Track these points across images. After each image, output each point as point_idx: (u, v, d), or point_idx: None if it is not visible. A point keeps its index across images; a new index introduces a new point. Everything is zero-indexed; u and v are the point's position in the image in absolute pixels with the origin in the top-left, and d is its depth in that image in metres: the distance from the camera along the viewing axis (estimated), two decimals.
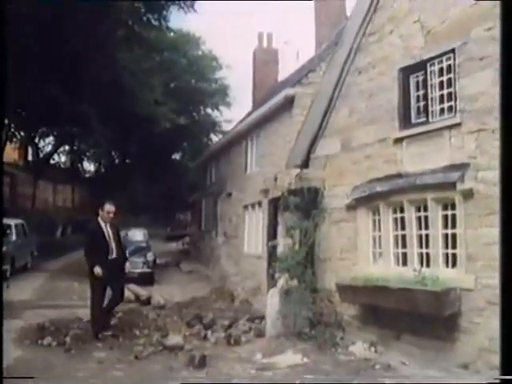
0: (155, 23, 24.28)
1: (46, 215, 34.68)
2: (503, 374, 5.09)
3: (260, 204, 16.52)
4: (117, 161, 50.61)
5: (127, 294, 16.89)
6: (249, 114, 22.92)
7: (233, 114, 49.86)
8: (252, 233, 18.06)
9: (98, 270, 10.63)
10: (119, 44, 22.89)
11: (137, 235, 24.99)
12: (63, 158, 49.01)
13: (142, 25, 24.29)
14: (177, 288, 19.35)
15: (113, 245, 11.11)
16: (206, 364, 9.14)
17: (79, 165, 50.70)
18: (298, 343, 10.27)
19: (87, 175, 53.48)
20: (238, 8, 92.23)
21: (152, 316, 13.02)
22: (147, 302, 16.04)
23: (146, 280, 20.48)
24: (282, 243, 12.78)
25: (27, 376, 7.12)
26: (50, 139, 39.77)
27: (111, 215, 11.29)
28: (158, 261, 25.19)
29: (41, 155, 40.32)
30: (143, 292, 17.15)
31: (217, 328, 11.99)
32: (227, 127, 37.62)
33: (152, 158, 44.21)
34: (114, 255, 11.13)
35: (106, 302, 11.23)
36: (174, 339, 10.66)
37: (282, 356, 9.61)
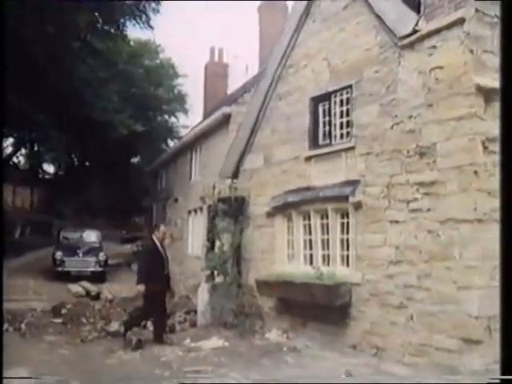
0: (112, 34, 25.17)
1: (5, 216, 35.48)
2: (503, 374, 5.20)
3: (201, 209, 18.05)
4: (76, 163, 51.20)
5: (78, 289, 18.51)
6: (198, 125, 24.40)
7: (190, 121, 51.00)
8: (195, 235, 19.56)
9: (141, 287, 11.28)
10: (75, 55, 23.93)
11: (91, 236, 26.29)
12: (22, 160, 49.52)
13: (98, 36, 25.18)
14: (125, 285, 20.73)
15: (166, 261, 11.80)
16: (141, 347, 10.73)
17: (38, 167, 51.18)
18: (222, 331, 11.88)
19: (47, 177, 53.81)
20: (194, 20, 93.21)
21: (98, 307, 14.47)
22: (97, 296, 17.62)
23: (98, 278, 22.10)
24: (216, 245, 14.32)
25: (27, 376, 7.76)
26: (10, 141, 40.42)
27: (165, 236, 12.14)
28: (111, 261, 26.56)
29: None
30: (93, 288, 18.73)
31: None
32: (184, 133, 38.77)
33: (110, 161, 45.01)
34: (166, 271, 11.77)
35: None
36: (116, 326, 12.24)
37: (207, 341, 11.21)
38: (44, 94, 22.81)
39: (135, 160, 53.40)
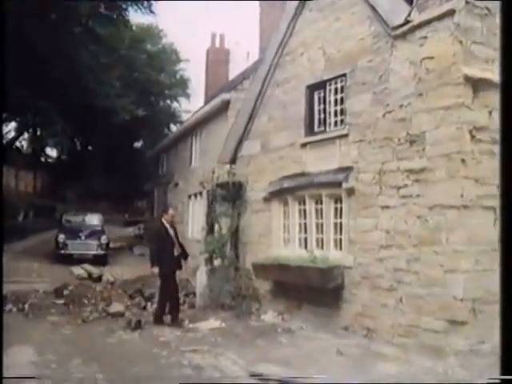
0: (114, 19, 25.28)
1: (9, 200, 35.80)
2: (503, 374, 5.18)
3: (201, 194, 18.36)
4: (79, 148, 51.41)
5: (80, 271, 18.86)
6: (199, 110, 24.64)
7: (192, 106, 51.12)
8: (195, 219, 19.88)
9: (155, 269, 11.60)
10: (77, 41, 24.08)
11: (93, 220, 26.52)
12: (25, 145, 49.72)
13: (100, 22, 25.27)
14: (127, 268, 21.09)
15: (176, 243, 12.01)
16: (140, 327, 11.08)
17: (41, 151, 51.37)
18: (220, 312, 12.22)
19: (49, 161, 53.97)
20: (196, 6, 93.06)
21: (99, 289, 14.81)
22: (99, 279, 17.95)
23: (100, 261, 22.39)
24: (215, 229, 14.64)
25: (27, 376, 7.68)
26: (13, 125, 40.58)
27: (173, 218, 12.47)
28: (113, 244, 26.89)
29: (3, 141, 41.13)
30: (96, 270, 19.09)
31: (155, 300, 13.86)
32: (186, 118, 38.93)
33: (113, 146, 45.26)
34: (177, 253, 11.98)
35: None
36: (117, 307, 12.61)
37: (204, 322, 11.56)
38: (46, 79, 22.95)
39: (138, 145, 53.56)
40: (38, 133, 44.84)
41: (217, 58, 27.96)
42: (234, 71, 27.80)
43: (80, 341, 10.15)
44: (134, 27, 33.29)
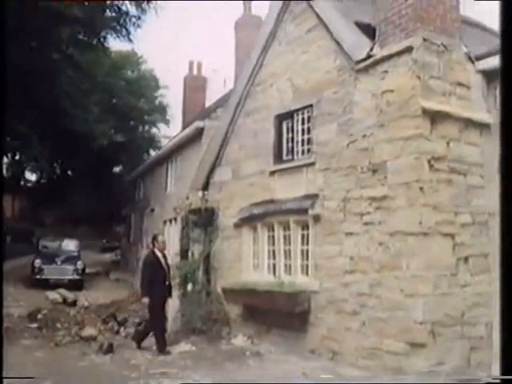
0: (93, 46, 25.55)
1: None
2: (503, 374, 5.17)
3: (176, 220, 18.64)
4: (58, 172, 51.51)
5: (56, 296, 19.03)
6: (175, 137, 24.98)
7: (171, 131, 51.47)
8: (170, 245, 20.08)
9: (145, 300, 11.59)
10: (56, 67, 24.33)
11: (69, 245, 26.93)
12: (4, 169, 49.66)
13: (79, 48, 25.52)
14: (102, 293, 21.42)
15: (167, 272, 12.07)
16: (112, 351, 11.31)
17: (20, 175, 51.38)
18: (191, 336, 12.45)
19: (28, 185, 54.00)
20: (175, 35, 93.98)
21: (73, 313, 15.04)
22: (73, 303, 18.18)
23: (76, 285, 22.69)
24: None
25: (27, 376, 8.03)
26: None
27: (165, 246, 12.37)
28: (90, 270, 27.25)
29: None
30: (70, 295, 19.32)
31: (128, 324, 14.15)
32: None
33: (93, 171, 45.50)
34: (167, 282, 12.02)
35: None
36: (89, 331, 12.84)
37: (175, 345, 11.80)
38: (25, 104, 23.17)
39: (117, 169, 53.78)
40: (17, 157, 44.94)
41: (194, 85, 28.32)
42: (211, 98, 28.25)
43: (52, 364, 10.37)
44: (113, 54, 33.58)
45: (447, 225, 8.80)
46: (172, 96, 51.24)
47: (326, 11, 10.71)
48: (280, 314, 11.01)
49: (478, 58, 9.63)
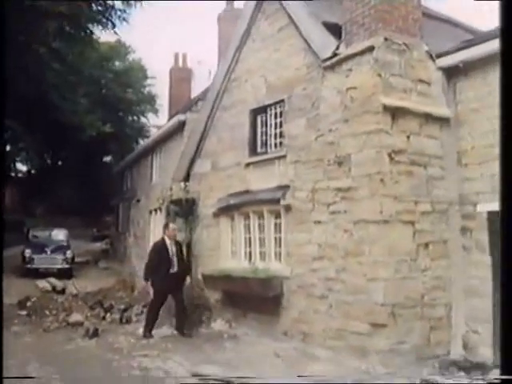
0: (80, 39, 25.85)
1: None
2: (503, 373, 5.16)
3: (160, 210, 19.19)
4: (49, 163, 51.80)
5: (45, 285, 19.61)
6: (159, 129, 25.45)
7: (160, 121, 51.78)
8: (156, 234, 20.62)
9: (143, 283, 12.65)
10: (43, 61, 24.68)
11: (59, 235, 27.48)
12: None
13: (66, 41, 25.83)
14: (90, 281, 21.98)
15: (174, 260, 12.32)
16: (97, 335, 11.96)
17: (12, 165, 51.60)
18: (173, 321, 13.01)
19: (19, 175, 54.21)
20: (161, 27, 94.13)
21: (61, 300, 15.63)
22: (62, 291, 18.76)
23: (65, 274, 23.22)
24: None
25: (27, 376, 8.32)
26: None
27: (175, 233, 12.80)
28: (79, 259, 27.84)
29: None
30: (60, 283, 19.94)
31: (114, 311, 14.73)
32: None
33: (83, 161, 45.84)
34: (175, 269, 12.31)
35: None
36: (76, 317, 13.44)
37: (158, 330, 12.36)
38: (12, 97, 23.49)
39: (107, 159, 54.09)
40: (8, 148, 45.21)
41: (179, 76, 28.76)
42: (197, 89, 28.65)
43: (40, 348, 10.96)
44: (100, 46, 33.87)
45: (407, 213, 9.39)
46: (159, 87, 51.96)
47: (295, 11, 11.27)
48: (255, 298, 11.62)
49: (439, 56, 10.18)
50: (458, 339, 9.75)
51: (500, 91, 5.33)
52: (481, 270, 9.49)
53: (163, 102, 69.22)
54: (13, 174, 51.71)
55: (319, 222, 10.35)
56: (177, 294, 12.32)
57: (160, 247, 12.50)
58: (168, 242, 12.47)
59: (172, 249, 12.38)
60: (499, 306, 9.00)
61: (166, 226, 13.00)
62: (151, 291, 12.81)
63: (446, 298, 9.75)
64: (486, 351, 9.27)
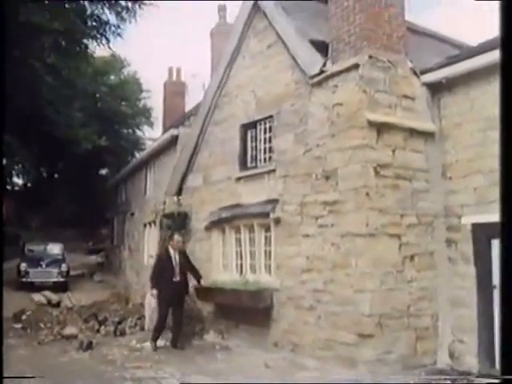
0: (75, 54, 26.07)
1: None
2: (503, 374, 5.11)
3: (155, 223, 19.40)
4: (45, 176, 51.94)
5: (40, 298, 19.78)
6: (153, 143, 25.64)
7: (156, 134, 51.94)
8: (150, 247, 20.85)
9: (154, 292, 12.36)
10: (38, 76, 24.86)
11: (54, 249, 27.70)
12: None
13: (61, 56, 26.04)
14: (85, 294, 22.15)
15: (177, 269, 12.39)
16: (92, 347, 12.13)
17: (6, 179, 51.67)
18: (167, 333, 13.18)
19: (16, 188, 54.27)
20: (155, 41, 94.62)
21: (56, 314, 15.82)
22: (57, 304, 18.96)
23: (60, 288, 23.39)
24: None
25: (27, 376, 8.44)
26: None
27: (180, 244, 12.86)
28: (75, 272, 28.01)
29: None
30: (55, 297, 20.09)
31: (108, 323, 14.88)
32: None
33: (79, 174, 45.99)
34: (178, 278, 12.34)
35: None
36: (71, 330, 13.63)
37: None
38: (8, 112, 23.66)
39: (103, 172, 54.20)
40: (4, 161, 45.34)
41: (174, 90, 28.96)
42: (191, 102, 28.85)
43: (34, 360, 11.14)
44: (96, 60, 34.06)
45: (393, 226, 9.64)
46: (154, 99, 52.01)
47: (283, 29, 11.54)
48: (246, 310, 11.82)
49: (423, 72, 10.45)
50: (445, 349, 9.98)
51: (500, 91, 5.37)
52: (466, 281, 9.74)
53: (158, 114, 69.68)
54: (9, 188, 51.87)
55: (307, 236, 10.58)
56: (177, 304, 12.45)
57: (164, 256, 12.75)
58: (172, 251, 12.61)
59: (176, 258, 12.52)
60: (485, 315, 9.40)
61: (171, 237, 13.30)
62: (153, 301, 13.00)
63: (432, 308, 9.99)
64: (472, 360, 9.51)
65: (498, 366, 9.02)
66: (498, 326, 8.68)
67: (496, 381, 7.49)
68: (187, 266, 12.74)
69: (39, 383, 9.08)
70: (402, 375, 9.19)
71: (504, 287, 5.19)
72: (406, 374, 9.19)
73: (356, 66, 9.73)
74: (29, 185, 53.56)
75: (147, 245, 21.31)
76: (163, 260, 12.64)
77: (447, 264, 10.11)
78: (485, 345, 9.38)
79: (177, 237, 13.01)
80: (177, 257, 12.56)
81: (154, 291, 12.34)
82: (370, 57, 9.75)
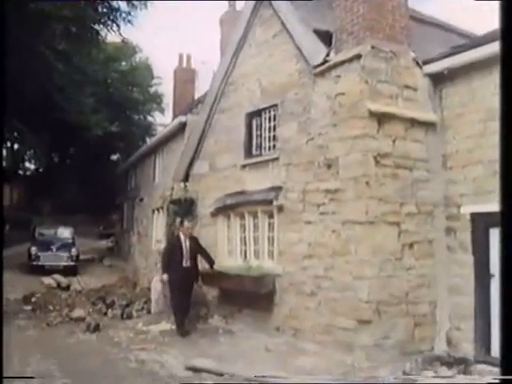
0: (86, 40, 26.25)
1: None
2: (503, 374, 5.04)
3: (163, 209, 19.66)
4: (57, 161, 52.27)
5: (50, 281, 20.14)
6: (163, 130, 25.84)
7: (167, 119, 52.11)
8: (159, 232, 21.13)
9: (164, 277, 12.63)
10: (49, 62, 25.07)
11: (64, 233, 28.09)
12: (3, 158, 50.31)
13: (73, 43, 26.23)
14: (95, 278, 22.60)
15: (188, 255, 12.61)
16: (99, 329, 12.49)
17: (19, 164, 52.01)
18: (171, 316, 13.45)
19: (27, 173, 54.60)
20: (165, 27, 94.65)
21: (64, 296, 16.16)
22: (67, 288, 19.33)
23: (70, 271, 23.83)
24: None
25: (27, 376, 8.31)
26: None
27: (190, 230, 13.13)
28: (85, 256, 28.41)
29: None
30: (64, 280, 20.50)
31: (116, 307, 15.23)
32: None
33: (90, 159, 46.33)
34: (188, 264, 12.58)
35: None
36: (79, 313, 13.96)
37: (156, 325, 12.88)
38: (19, 100, 23.92)
39: (115, 157, 54.53)
40: (16, 147, 45.74)
41: (184, 77, 29.06)
42: (201, 89, 28.97)
43: (42, 341, 11.49)
44: (107, 46, 34.27)
45: (393, 214, 9.82)
46: (166, 85, 52.06)
47: (288, 18, 11.70)
48: (249, 295, 12.06)
49: (425, 63, 10.58)
50: (442, 335, 10.17)
51: (500, 92, 5.31)
52: (464, 269, 9.92)
53: (169, 100, 69.80)
54: (21, 172, 52.27)
55: (309, 223, 10.78)
56: (185, 290, 12.64)
57: (174, 242, 13.06)
58: (182, 237, 12.81)
59: (186, 244, 12.69)
60: (482, 303, 9.57)
61: (181, 223, 13.52)
62: (159, 285, 13.25)
63: (430, 295, 10.17)
64: (468, 347, 9.70)
65: (493, 352, 9.30)
66: (497, 314, 8.90)
67: (496, 381, 7.48)
68: (199, 251, 13.00)
69: (46, 362, 9.40)
70: (400, 361, 9.39)
71: (504, 284, 5.06)
72: (403, 360, 9.37)
73: (358, 57, 9.87)
74: (40, 170, 53.92)
75: (155, 230, 21.60)
76: (174, 245, 12.87)
77: (446, 252, 10.28)
78: (481, 332, 9.58)
79: (187, 223, 13.25)
80: (187, 243, 12.72)
81: (165, 276, 12.57)
82: (373, 47, 9.87)
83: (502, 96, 5.26)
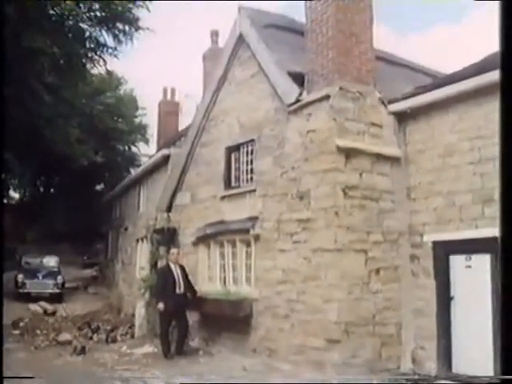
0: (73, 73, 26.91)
1: None
2: (503, 373, 5.12)
3: (147, 238, 20.29)
4: (42, 190, 52.53)
5: (37, 308, 20.70)
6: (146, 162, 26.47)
7: (151, 150, 52.58)
8: (142, 260, 21.74)
9: (160, 305, 12.78)
10: (36, 95, 25.69)
11: (50, 262, 28.59)
12: None
13: (60, 76, 26.87)
14: (80, 305, 23.20)
15: (180, 281, 13.04)
16: (84, 352, 13.10)
17: (5, 194, 52.09)
18: (154, 339, 14.10)
19: (12, 202, 54.72)
20: (150, 62, 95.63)
21: (51, 321, 16.77)
22: (53, 314, 19.92)
23: (56, 298, 24.36)
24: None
25: (27, 376, 8.78)
26: None
27: (177, 256, 13.48)
28: (70, 284, 28.82)
29: None
30: (50, 307, 21.05)
31: (101, 331, 15.88)
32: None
33: (75, 189, 46.65)
34: (182, 290, 13.06)
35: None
36: (65, 336, 14.59)
37: (140, 348, 13.56)
38: (7, 130, 24.45)
39: (99, 187, 54.81)
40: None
41: (168, 109, 29.85)
42: (184, 121, 29.58)
43: (31, 362, 12.09)
44: (93, 78, 34.88)
45: (360, 242, 10.62)
46: (150, 117, 52.67)
47: (264, 60, 12.55)
48: (228, 319, 12.76)
49: (391, 102, 11.46)
50: (408, 354, 10.92)
51: (500, 92, 5.23)
52: (427, 293, 10.75)
53: (154, 131, 70.20)
54: (5, 201, 52.43)
55: (283, 250, 11.55)
56: (181, 315, 13.15)
57: (164, 270, 13.51)
58: (172, 265, 13.33)
59: (177, 271, 13.17)
60: (443, 324, 10.33)
61: (167, 251, 14.24)
62: (143, 311, 13.91)
63: (396, 317, 10.93)
64: (431, 365, 10.49)
65: (454, 369, 10.12)
66: (457, 334, 10.09)
67: (496, 381, 8.26)
68: (185, 281, 13.42)
69: (35, 381, 10.02)
70: (367, 378, 10.11)
71: (504, 288, 5.09)
72: (370, 377, 10.09)
73: (327, 97, 10.73)
74: (25, 199, 54.13)
75: (139, 259, 22.19)
76: (166, 274, 13.24)
77: (410, 277, 11.09)
78: (443, 351, 10.39)
79: (173, 250, 13.92)
80: (178, 270, 13.24)
81: (161, 304, 12.87)
82: (341, 88, 10.75)
83: (502, 96, 5.20)
